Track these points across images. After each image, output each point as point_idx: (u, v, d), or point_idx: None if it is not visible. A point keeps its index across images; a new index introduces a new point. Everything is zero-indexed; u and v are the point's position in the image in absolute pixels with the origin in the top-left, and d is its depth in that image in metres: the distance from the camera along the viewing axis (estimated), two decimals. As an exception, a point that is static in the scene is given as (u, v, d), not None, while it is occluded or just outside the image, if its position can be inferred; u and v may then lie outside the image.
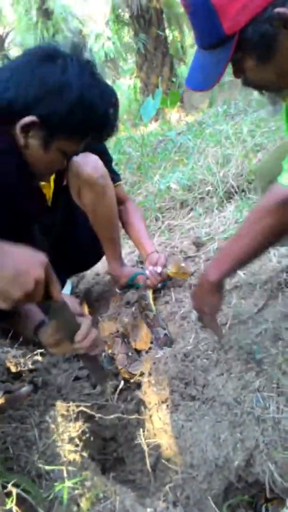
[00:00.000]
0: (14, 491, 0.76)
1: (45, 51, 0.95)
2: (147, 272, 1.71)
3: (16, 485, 0.89)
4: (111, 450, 1.25)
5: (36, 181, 1.07)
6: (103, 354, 1.57)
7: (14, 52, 13.30)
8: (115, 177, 1.76)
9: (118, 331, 1.69)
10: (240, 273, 1.65)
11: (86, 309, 1.85)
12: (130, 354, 1.49)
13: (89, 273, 2.24)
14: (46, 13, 10.94)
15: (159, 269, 1.67)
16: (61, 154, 1.01)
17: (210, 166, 2.69)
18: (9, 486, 0.78)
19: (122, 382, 1.39)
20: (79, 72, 0.94)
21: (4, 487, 0.80)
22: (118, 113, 1.05)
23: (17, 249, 0.78)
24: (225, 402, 1.10)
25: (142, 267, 1.93)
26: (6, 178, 0.96)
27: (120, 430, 1.29)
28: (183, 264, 1.72)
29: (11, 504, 0.73)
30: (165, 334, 1.49)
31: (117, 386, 1.41)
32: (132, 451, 1.22)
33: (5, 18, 14.07)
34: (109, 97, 1.02)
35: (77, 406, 1.17)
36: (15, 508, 0.74)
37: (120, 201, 1.80)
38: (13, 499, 0.74)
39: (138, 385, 1.43)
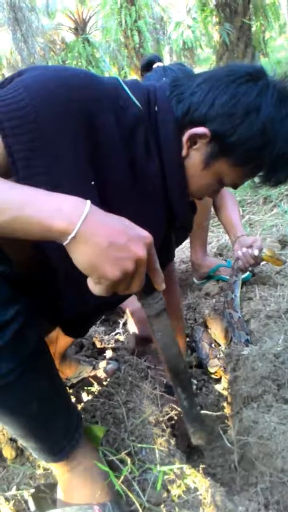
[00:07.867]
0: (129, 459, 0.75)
1: (251, 69, 0.85)
2: (239, 253, 1.58)
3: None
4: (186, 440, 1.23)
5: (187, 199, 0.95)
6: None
7: (96, 35, 13.50)
8: None
9: (196, 321, 1.67)
10: None
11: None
12: (213, 345, 1.45)
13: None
14: (131, -1, 10.91)
15: (256, 251, 1.54)
16: (217, 181, 0.89)
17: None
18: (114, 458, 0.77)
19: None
20: (277, 101, 0.82)
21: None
22: None
23: (115, 217, 0.64)
24: None
25: (225, 260, 1.87)
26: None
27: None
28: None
29: (126, 472, 0.73)
30: (247, 340, 1.39)
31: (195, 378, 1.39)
32: (210, 444, 1.19)
33: (89, 1, 14.28)
34: None
35: (160, 391, 1.16)
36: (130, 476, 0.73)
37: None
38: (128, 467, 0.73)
39: (217, 380, 1.40)
